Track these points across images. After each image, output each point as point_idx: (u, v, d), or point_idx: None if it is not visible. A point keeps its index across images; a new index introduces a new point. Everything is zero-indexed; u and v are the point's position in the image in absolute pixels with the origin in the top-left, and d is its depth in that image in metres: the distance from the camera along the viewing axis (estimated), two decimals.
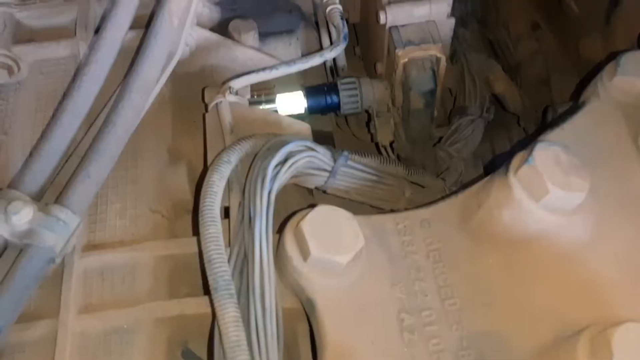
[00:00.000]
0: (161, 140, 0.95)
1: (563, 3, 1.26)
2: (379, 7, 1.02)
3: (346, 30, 0.99)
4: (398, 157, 1.16)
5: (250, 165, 0.82)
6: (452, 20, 1.04)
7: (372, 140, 1.19)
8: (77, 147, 0.85)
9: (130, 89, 0.83)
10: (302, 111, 1.07)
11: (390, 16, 1.01)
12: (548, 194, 0.67)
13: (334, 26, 1.01)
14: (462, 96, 1.23)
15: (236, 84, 0.94)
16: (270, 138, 0.85)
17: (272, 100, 1.04)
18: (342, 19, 1.00)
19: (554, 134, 0.79)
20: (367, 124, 1.18)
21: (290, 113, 1.06)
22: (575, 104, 0.86)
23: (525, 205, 0.69)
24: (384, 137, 1.14)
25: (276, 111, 1.04)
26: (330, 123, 1.23)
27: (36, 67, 1.01)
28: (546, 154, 0.69)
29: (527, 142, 0.80)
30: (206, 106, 0.95)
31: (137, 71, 0.85)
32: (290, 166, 0.82)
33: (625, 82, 0.81)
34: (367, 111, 1.14)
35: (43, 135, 0.81)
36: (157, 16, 0.88)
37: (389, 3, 1.01)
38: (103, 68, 0.85)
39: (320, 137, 1.04)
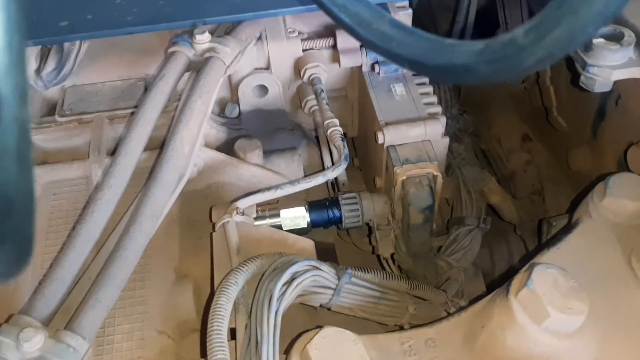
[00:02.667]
0: (168, 259, 0.97)
1: (551, 118, 1.33)
2: (377, 128, 1.07)
3: (347, 151, 1.03)
4: (399, 268, 1.17)
5: (257, 286, 0.84)
6: (447, 139, 1.09)
7: (373, 252, 1.21)
8: (87, 269, 0.87)
9: (141, 214, 0.86)
10: (305, 225, 1.10)
11: (387, 136, 1.05)
12: (549, 317, 0.69)
13: (335, 147, 1.06)
14: (459, 206, 1.27)
15: (242, 204, 0.98)
16: (276, 258, 0.87)
17: (277, 215, 1.07)
18: (342, 140, 1.05)
19: (550, 254, 0.82)
20: (369, 236, 1.20)
21: (293, 227, 1.09)
22: (569, 223, 0.90)
23: (528, 328, 0.70)
24: (385, 249, 1.15)
25: (280, 226, 1.07)
26: (332, 234, 1.26)
27: (49, 188, 1.04)
28: (544, 277, 0.72)
29: (526, 259, 0.83)
30: (213, 225, 0.98)
31: (148, 195, 0.88)
32: (296, 286, 0.84)
33: (614, 203, 0.85)
34: (367, 224, 1.16)
35: (56, 260, 0.83)
36: (169, 143, 0.93)
37: (386, 124, 1.06)
38: (116, 193, 0.88)
39: (323, 249, 1.06)
